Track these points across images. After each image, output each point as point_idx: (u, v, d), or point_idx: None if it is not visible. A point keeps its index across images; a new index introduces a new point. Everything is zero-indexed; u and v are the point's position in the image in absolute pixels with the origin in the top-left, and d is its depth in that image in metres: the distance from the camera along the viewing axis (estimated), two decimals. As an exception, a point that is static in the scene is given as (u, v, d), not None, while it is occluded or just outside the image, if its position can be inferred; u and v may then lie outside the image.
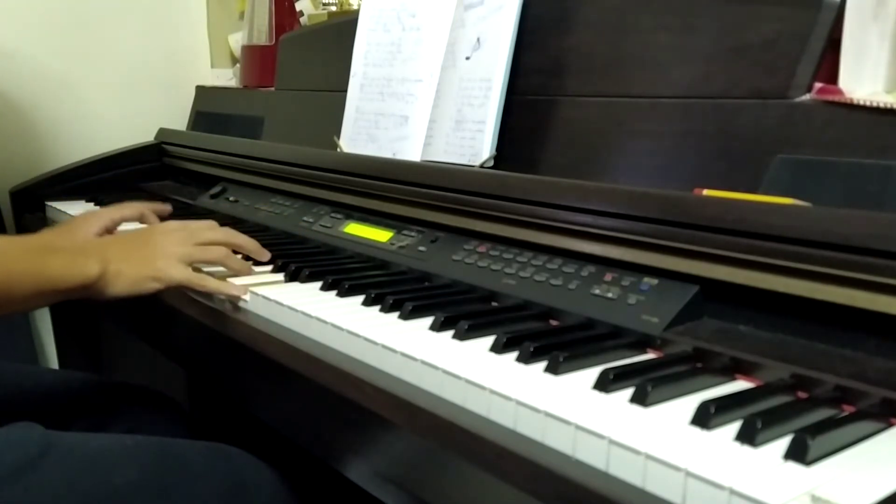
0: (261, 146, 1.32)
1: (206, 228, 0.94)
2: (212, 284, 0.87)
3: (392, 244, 0.96)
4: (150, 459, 0.78)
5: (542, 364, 0.62)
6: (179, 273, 0.87)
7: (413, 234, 0.96)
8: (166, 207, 1.14)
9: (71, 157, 1.56)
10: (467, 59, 1.02)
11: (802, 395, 0.57)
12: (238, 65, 1.73)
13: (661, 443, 0.48)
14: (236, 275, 0.90)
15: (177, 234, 0.90)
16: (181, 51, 1.79)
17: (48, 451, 0.72)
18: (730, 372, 0.61)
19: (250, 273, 0.91)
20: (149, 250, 0.87)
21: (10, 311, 0.80)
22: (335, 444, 0.77)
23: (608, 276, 0.73)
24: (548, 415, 0.53)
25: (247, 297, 0.85)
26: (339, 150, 1.19)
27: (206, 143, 1.46)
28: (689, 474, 0.45)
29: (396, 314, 0.76)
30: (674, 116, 0.82)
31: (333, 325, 0.73)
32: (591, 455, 0.50)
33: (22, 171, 1.54)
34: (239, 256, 0.93)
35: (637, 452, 0.48)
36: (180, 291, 0.93)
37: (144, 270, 0.85)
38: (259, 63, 1.60)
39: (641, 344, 0.67)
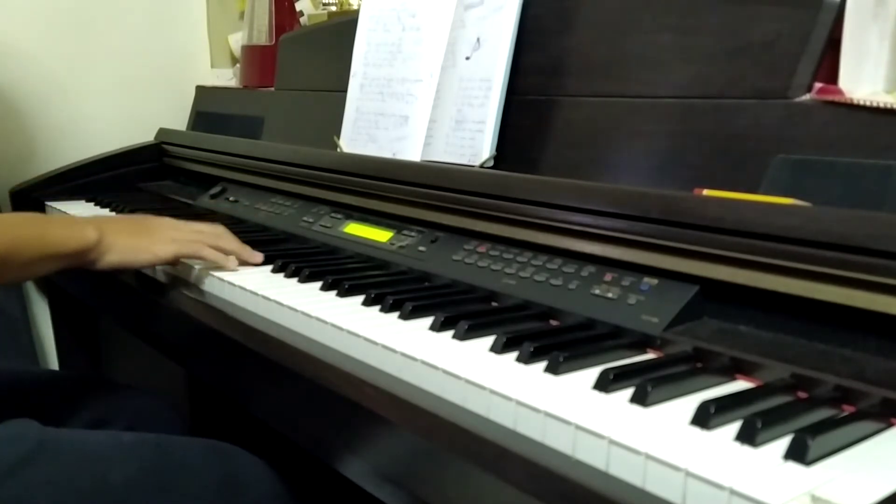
0: (261, 146, 1.31)
1: (199, 223, 0.98)
2: (208, 253, 0.91)
3: (392, 244, 0.96)
4: (146, 456, 0.78)
5: (542, 364, 0.62)
6: (171, 246, 0.90)
7: (413, 234, 0.96)
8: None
9: (71, 157, 1.56)
10: (467, 59, 1.02)
11: (802, 395, 0.57)
12: (238, 65, 1.73)
13: (661, 443, 0.48)
14: (232, 253, 0.94)
15: (171, 220, 0.95)
16: (181, 51, 1.79)
17: (45, 447, 0.72)
18: (730, 372, 0.61)
19: (243, 254, 0.94)
20: (144, 229, 0.92)
21: (12, 276, 0.85)
22: (335, 443, 0.77)
23: (608, 276, 0.73)
24: (548, 415, 0.53)
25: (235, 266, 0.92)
26: (339, 150, 1.19)
27: (206, 143, 1.46)
28: (689, 474, 0.45)
29: (396, 314, 0.76)
30: (674, 116, 0.82)
31: (333, 326, 0.73)
32: (591, 455, 0.50)
33: (22, 171, 1.54)
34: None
35: (637, 452, 0.48)
36: (180, 291, 0.93)
37: (139, 243, 0.89)
38: (259, 63, 1.60)
39: (641, 344, 0.67)
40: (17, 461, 0.70)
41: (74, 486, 0.72)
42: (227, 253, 0.93)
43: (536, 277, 0.78)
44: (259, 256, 0.96)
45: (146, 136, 1.62)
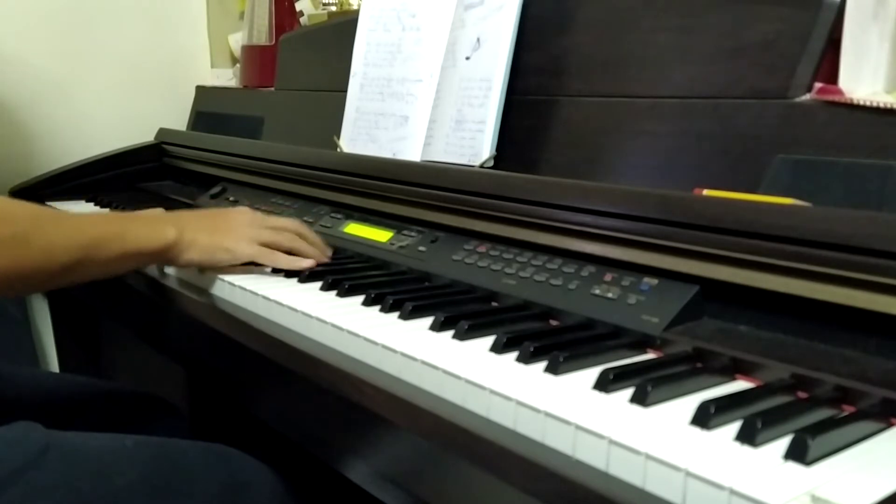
0: (261, 146, 1.31)
1: (278, 218, 0.99)
2: (282, 260, 0.91)
3: (392, 244, 0.96)
4: (149, 460, 0.78)
5: (542, 364, 0.62)
6: (249, 248, 0.90)
7: (413, 234, 0.96)
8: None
9: (71, 157, 1.56)
10: (467, 59, 1.02)
11: (802, 395, 0.57)
12: (238, 65, 1.73)
13: (661, 443, 0.48)
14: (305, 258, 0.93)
15: (249, 216, 0.95)
16: (181, 51, 1.79)
17: (48, 450, 0.72)
18: (730, 372, 0.61)
19: (320, 258, 0.94)
20: (222, 226, 0.92)
21: (93, 274, 0.84)
22: (335, 444, 0.77)
23: (608, 276, 0.73)
24: (548, 415, 0.53)
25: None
26: (339, 150, 1.19)
27: (206, 143, 1.46)
28: (689, 474, 0.45)
29: (396, 314, 0.76)
30: (674, 116, 0.82)
31: (333, 326, 0.73)
32: (591, 455, 0.50)
33: (22, 171, 1.54)
34: None
35: (637, 452, 0.48)
36: (180, 290, 0.93)
37: (217, 241, 0.89)
38: (259, 63, 1.60)
39: (641, 344, 0.67)
40: (23, 464, 0.70)
41: (79, 490, 0.72)
42: (304, 255, 0.93)
43: (536, 277, 0.78)
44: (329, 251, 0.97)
45: (146, 136, 1.62)
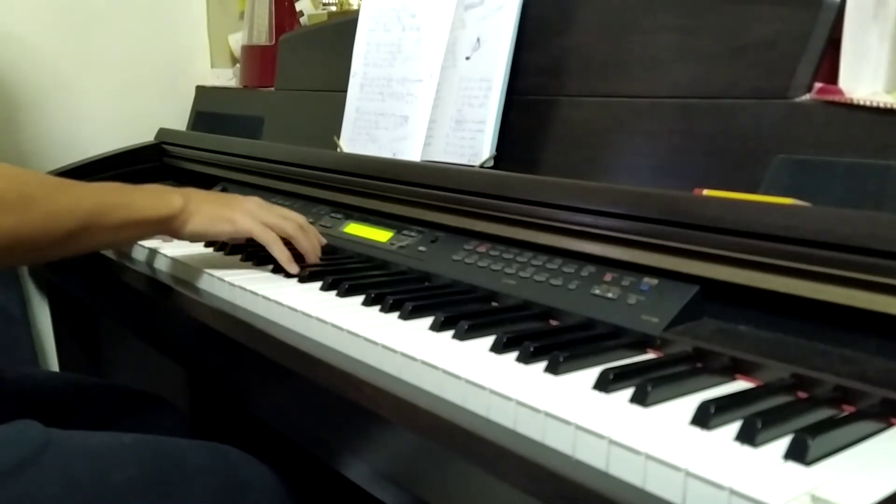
0: (261, 146, 1.31)
1: (286, 209, 0.99)
2: (277, 248, 0.91)
3: (392, 244, 0.96)
4: (148, 457, 0.78)
5: (542, 364, 0.62)
6: (251, 223, 0.91)
7: (413, 234, 0.96)
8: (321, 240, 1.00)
9: (71, 157, 1.56)
10: (467, 59, 1.02)
11: (802, 395, 0.57)
12: (238, 65, 1.73)
13: (661, 443, 0.48)
14: (304, 253, 0.93)
15: (258, 200, 0.96)
16: (181, 51, 1.79)
17: (47, 447, 0.72)
18: (730, 372, 0.61)
19: (313, 259, 0.94)
20: (228, 201, 0.94)
21: (96, 243, 0.85)
22: (335, 443, 0.77)
23: (608, 276, 0.73)
24: (548, 415, 0.53)
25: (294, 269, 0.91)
26: (339, 150, 1.19)
27: (206, 143, 1.46)
28: (689, 474, 0.45)
29: (396, 314, 0.76)
30: (674, 116, 0.82)
31: (333, 326, 0.73)
32: (591, 455, 0.50)
33: (22, 171, 1.53)
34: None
35: (637, 452, 0.48)
36: (180, 290, 0.93)
37: (221, 212, 0.91)
38: (259, 63, 1.60)
39: (641, 344, 0.67)
40: (21, 461, 0.70)
41: (77, 487, 0.72)
42: (301, 248, 0.93)
43: (536, 277, 0.78)
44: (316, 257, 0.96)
45: (146, 136, 1.62)
